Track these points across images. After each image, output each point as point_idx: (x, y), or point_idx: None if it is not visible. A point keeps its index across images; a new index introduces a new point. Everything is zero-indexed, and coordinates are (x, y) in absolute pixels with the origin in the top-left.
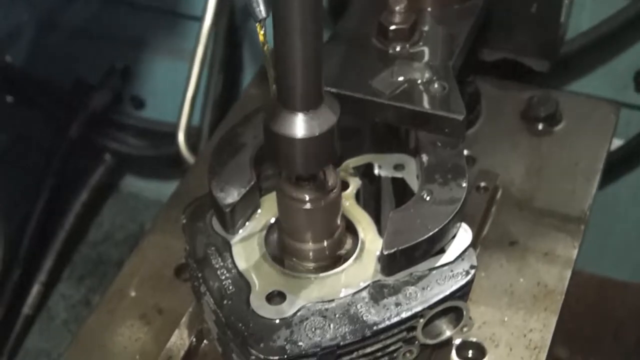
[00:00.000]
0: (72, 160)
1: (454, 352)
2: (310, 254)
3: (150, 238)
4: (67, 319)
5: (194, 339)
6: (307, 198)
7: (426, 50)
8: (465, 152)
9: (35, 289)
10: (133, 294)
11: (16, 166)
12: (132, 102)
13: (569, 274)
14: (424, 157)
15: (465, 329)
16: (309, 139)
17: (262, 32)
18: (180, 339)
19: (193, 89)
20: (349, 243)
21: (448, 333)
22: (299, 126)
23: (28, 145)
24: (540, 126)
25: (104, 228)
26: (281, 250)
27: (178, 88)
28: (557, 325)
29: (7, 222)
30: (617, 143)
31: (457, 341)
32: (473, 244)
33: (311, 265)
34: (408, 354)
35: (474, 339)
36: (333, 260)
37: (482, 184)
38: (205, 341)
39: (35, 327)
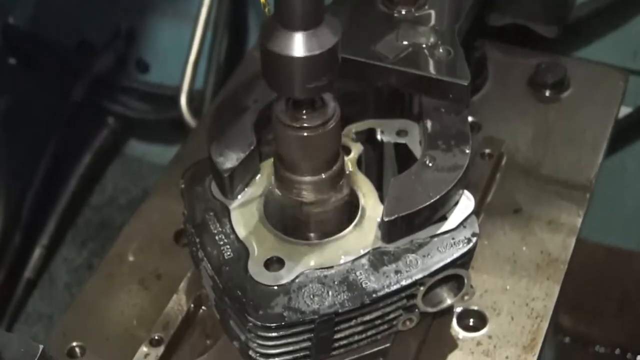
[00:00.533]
0: (75, 124)
1: (454, 320)
2: (310, 186)
3: (150, 202)
4: (69, 283)
5: (192, 305)
6: (305, 125)
7: (432, 14)
8: (471, 118)
9: (37, 253)
10: (132, 258)
11: (19, 129)
12: (137, 65)
13: (572, 242)
14: (428, 123)
15: (466, 298)
16: (308, 58)
17: None
18: (178, 304)
19: (196, 52)
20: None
21: (449, 301)
22: (298, 45)
23: (31, 108)
24: (547, 93)
25: (107, 192)
26: (280, 212)
27: (183, 51)
28: (560, 295)
29: (9, 185)
30: (625, 111)
31: (458, 309)
32: (476, 212)
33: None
34: (408, 322)
35: (475, 307)
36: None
37: (487, 151)
38: (203, 307)
39: (37, 291)
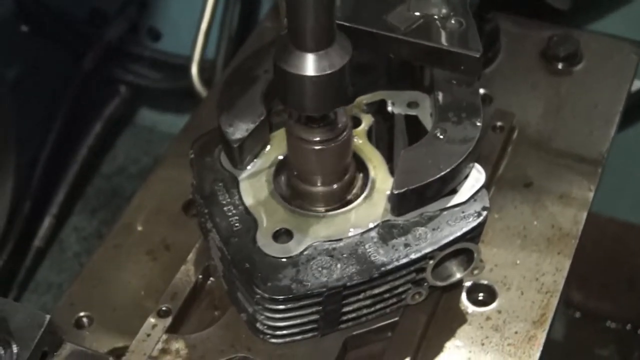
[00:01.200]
0: (86, 92)
1: (464, 295)
2: (320, 196)
3: (160, 172)
4: (79, 252)
5: (200, 276)
6: (317, 139)
7: None
8: (482, 90)
9: (47, 222)
10: (140, 228)
11: (30, 96)
12: (148, 33)
13: (584, 217)
14: (439, 95)
15: (475, 272)
16: (319, 77)
17: None
18: (186, 275)
19: (207, 21)
20: (359, 182)
21: (458, 275)
22: (310, 65)
23: (42, 75)
24: (559, 66)
25: (118, 161)
26: (290, 190)
27: (195, 20)
28: (571, 269)
29: (19, 153)
30: (638, 85)
31: (468, 283)
32: (486, 185)
33: (320, 206)
34: (417, 296)
35: (485, 282)
36: (342, 200)
37: (498, 124)
38: (211, 278)
39: (47, 260)
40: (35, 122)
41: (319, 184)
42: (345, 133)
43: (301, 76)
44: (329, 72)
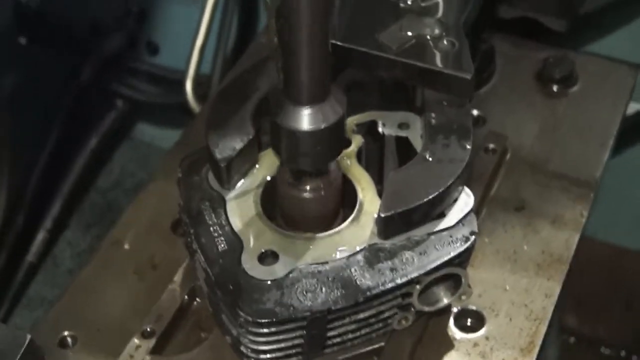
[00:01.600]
0: (83, 105)
1: (451, 320)
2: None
3: (150, 189)
4: (72, 267)
5: (187, 297)
6: (308, 188)
7: (438, 4)
8: (476, 111)
9: (41, 236)
10: (128, 247)
11: (26, 108)
12: (147, 47)
13: (575, 242)
14: (429, 116)
15: (463, 297)
16: (312, 132)
17: None
18: (172, 296)
19: (203, 37)
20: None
21: (446, 301)
22: (303, 119)
23: (39, 87)
24: (555, 87)
25: (114, 175)
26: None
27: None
28: (563, 295)
29: (13, 165)
30: (634, 107)
31: (456, 309)
32: (477, 209)
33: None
34: (403, 321)
35: (473, 307)
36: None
37: (491, 146)
38: (197, 299)
39: (40, 275)
40: (32, 133)
41: (307, 232)
42: (336, 182)
43: (295, 131)
44: (322, 126)
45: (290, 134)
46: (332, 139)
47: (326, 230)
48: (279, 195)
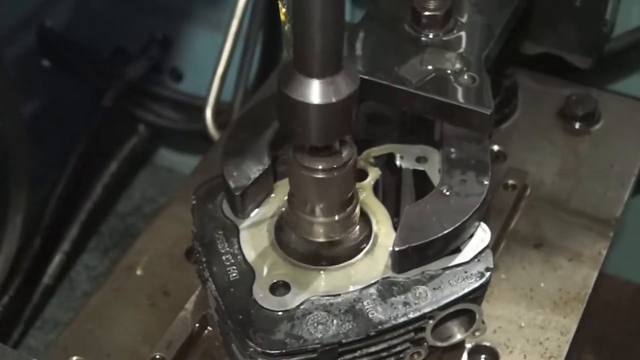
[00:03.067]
0: (105, 129)
1: (465, 356)
2: (321, 229)
3: (166, 215)
4: (88, 291)
5: (197, 325)
6: (320, 167)
7: (460, 39)
8: (496, 147)
9: (57, 258)
10: (140, 272)
11: (48, 132)
12: (170, 74)
13: (593, 281)
14: (447, 151)
15: (477, 333)
16: (324, 106)
17: (283, 11)
18: (183, 323)
19: (224, 65)
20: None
21: (459, 336)
22: (315, 92)
23: (61, 111)
24: (577, 125)
25: (134, 200)
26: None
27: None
28: (580, 333)
29: (32, 188)
30: None
31: (470, 345)
32: (495, 244)
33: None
34: (416, 356)
35: (488, 344)
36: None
37: (511, 182)
38: (208, 327)
39: (55, 298)
40: (52, 157)
41: (320, 216)
42: (350, 162)
43: (306, 104)
44: (334, 101)
45: (301, 107)
46: (345, 113)
47: (339, 262)
48: (292, 178)
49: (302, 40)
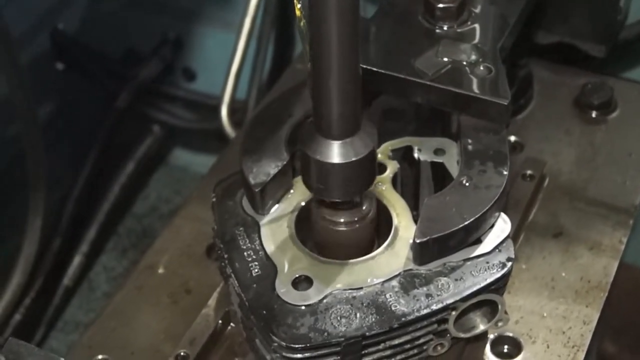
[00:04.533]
0: (120, 131)
1: (488, 347)
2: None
3: (184, 214)
4: (108, 292)
5: (220, 322)
6: (342, 220)
7: (474, 30)
8: (513, 137)
9: (77, 260)
10: (162, 271)
11: (63, 134)
12: (183, 74)
13: (614, 269)
14: (465, 142)
15: (500, 324)
16: (344, 165)
17: (298, 6)
18: (206, 320)
19: (238, 63)
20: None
21: (482, 327)
22: (334, 153)
23: (76, 113)
24: (593, 114)
25: (150, 201)
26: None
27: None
28: (603, 322)
29: (50, 190)
30: None
31: (492, 335)
32: (515, 235)
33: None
34: (439, 347)
35: (510, 334)
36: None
37: (529, 172)
38: (231, 324)
39: (75, 299)
40: (68, 159)
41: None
42: (370, 215)
43: (326, 163)
44: (354, 159)
45: (320, 167)
46: (363, 171)
47: (361, 256)
48: (313, 226)
49: (321, 106)
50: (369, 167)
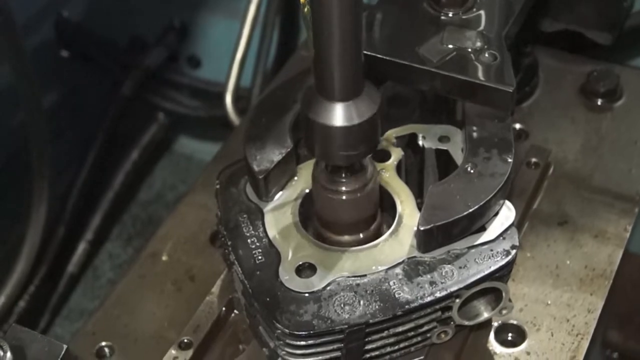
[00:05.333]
0: (124, 118)
1: (492, 334)
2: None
3: (188, 202)
4: (112, 279)
5: (224, 309)
6: (344, 189)
7: (479, 17)
8: (518, 125)
9: (81, 248)
10: (166, 258)
11: (68, 122)
12: (188, 61)
13: (619, 257)
14: (470, 130)
15: (504, 312)
16: (346, 128)
17: None
18: (209, 307)
19: (243, 50)
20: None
21: (486, 315)
22: (337, 115)
23: (81, 101)
24: (599, 102)
25: (155, 188)
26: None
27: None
28: (607, 310)
29: (54, 178)
30: None
31: (496, 323)
32: (519, 223)
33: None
34: (443, 335)
35: (514, 322)
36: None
37: (534, 160)
38: (235, 311)
39: (80, 286)
40: (73, 147)
41: (345, 235)
42: (371, 183)
43: (329, 126)
44: (357, 122)
45: (324, 130)
46: (366, 134)
47: (363, 233)
48: (316, 200)
49: (323, 66)
50: (372, 131)
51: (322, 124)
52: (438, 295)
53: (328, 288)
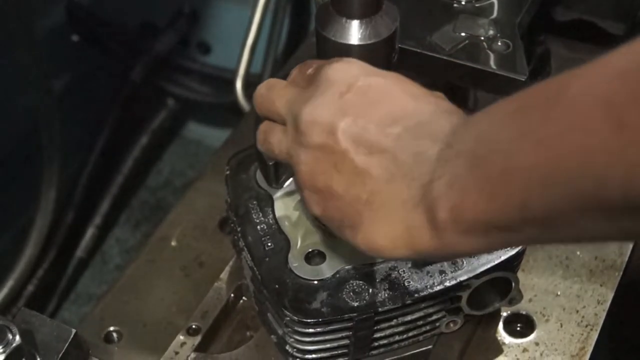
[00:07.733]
0: (134, 104)
1: (501, 324)
2: None
3: (198, 187)
4: (120, 264)
5: (233, 295)
6: None
7: (492, 5)
8: None
9: (90, 232)
10: (175, 244)
11: (78, 105)
12: (198, 47)
13: (629, 249)
14: None
15: (513, 302)
16: (364, 46)
17: None
18: (218, 293)
19: (253, 37)
20: None
21: (495, 305)
22: (354, 33)
23: (91, 86)
24: None
25: (163, 174)
26: None
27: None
28: (616, 302)
29: (63, 163)
30: None
31: (505, 313)
32: None
33: None
34: (452, 324)
35: (524, 312)
36: None
37: None
38: (244, 298)
39: (88, 271)
40: (82, 131)
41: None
42: None
43: (346, 45)
44: (374, 40)
45: (340, 48)
46: (383, 54)
47: None
48: None
49: None
50: (389, 51)
51: (339, 42)
52: (448, 284)
53: (337, 276)
